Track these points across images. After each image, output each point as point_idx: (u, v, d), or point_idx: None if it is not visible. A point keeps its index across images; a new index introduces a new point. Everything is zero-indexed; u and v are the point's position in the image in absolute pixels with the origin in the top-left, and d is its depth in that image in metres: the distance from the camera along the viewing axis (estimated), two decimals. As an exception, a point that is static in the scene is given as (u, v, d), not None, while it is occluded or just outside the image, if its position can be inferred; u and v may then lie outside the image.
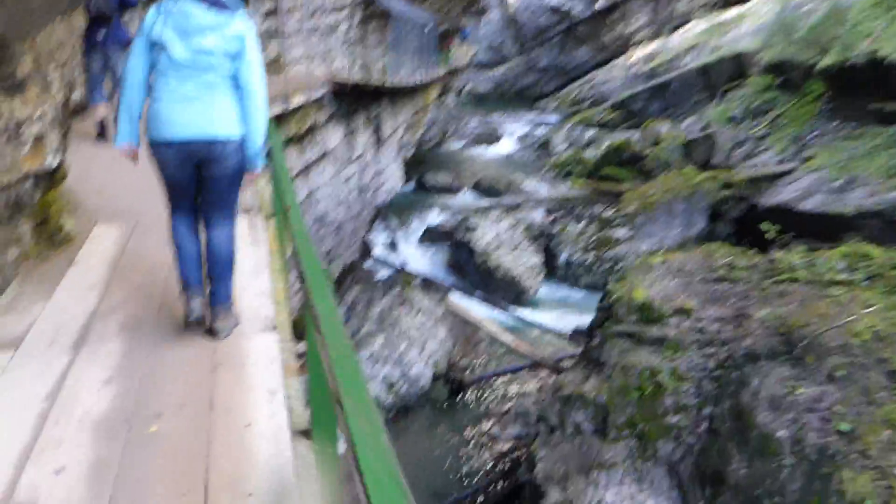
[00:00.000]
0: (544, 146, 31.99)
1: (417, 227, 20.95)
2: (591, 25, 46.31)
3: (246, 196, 5.36)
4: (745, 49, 30.51)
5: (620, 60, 43.69)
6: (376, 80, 14.84)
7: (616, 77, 41.41)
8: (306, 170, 12.23)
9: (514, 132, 36.18)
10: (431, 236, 20.12)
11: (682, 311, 8.22)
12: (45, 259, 4.32)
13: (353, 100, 13.37)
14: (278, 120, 9.55)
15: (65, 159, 4.58)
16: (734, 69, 30.93)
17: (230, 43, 3.26)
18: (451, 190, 24.78)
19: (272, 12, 10.95)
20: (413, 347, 12.58)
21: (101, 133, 7.39)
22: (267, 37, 10.70)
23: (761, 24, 31.23)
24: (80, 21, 4.18)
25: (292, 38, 9.51)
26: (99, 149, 7.18)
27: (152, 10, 3.30)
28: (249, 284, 4.27)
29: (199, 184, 3.51)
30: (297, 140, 11.48)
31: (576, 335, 14.88)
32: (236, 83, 3.35)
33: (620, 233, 18.29)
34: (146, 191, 5.54)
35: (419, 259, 19.22)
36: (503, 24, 49.31)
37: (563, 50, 48.09)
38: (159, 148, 3.35)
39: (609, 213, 19.24)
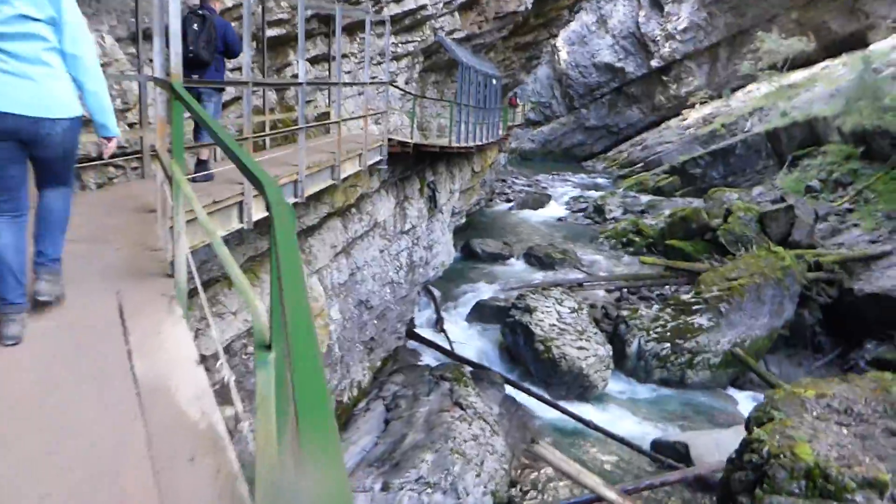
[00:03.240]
0: (598, 211, 29.88)
1: (465, 300, 18.78)
2: (643, 85, 44.57)
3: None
4: (819, 114, 28.25)
5: (674, 122, 41.80)
6: (439, 140, 12.86)
7: (670, 139, 39.37)
8: (349, 246, 10.16)
9: (563, 195, 34.29)
10: (481, 313, 17.92)
11: (873, 484, 5.82)
12: None
13: (410, 164, 11.39)
14: (319, 195, 7.46)
15: None
16: (807, 135, 28.71)
17: (41, 6, 2.93)
18: (501, 258, 22.64)
19: (321, 58, 9.01)
20: (469, 469, 10.29)
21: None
22: (313, 90, 8.79)
23: (838, 88, 29.02)
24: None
25: (344, 91, 7.62)
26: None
27: None
28: None
29: (26, 170, 3.10)
30: (341, 212, 9.43)
31: (658, 451, 12.53)
32: (64, 55, 3.05)
33: (701, 320, 15.91)
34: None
35: (468, 339, 16.98)
36: (551, 81, 47.79)
37: (613, 109, 46.34)
38: None
39: (686, 296, 16.89)
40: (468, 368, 14.46)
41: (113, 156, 5.50)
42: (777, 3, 37.66)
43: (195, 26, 6.49)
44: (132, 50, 5.71)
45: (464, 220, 19.98)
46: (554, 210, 31.55)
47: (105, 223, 4.41)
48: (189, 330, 2.83)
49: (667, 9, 41.85)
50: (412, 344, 16.13)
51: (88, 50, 3.08)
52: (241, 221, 4.84)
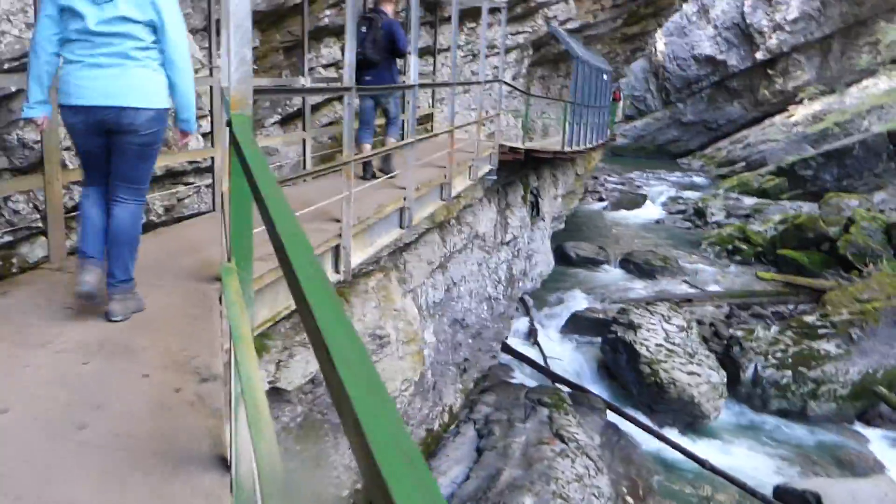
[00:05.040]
0: (698, 214, 28.04)
1: (560, 310, 17.52)
2: (746, 79, 41.97)
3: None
4: (952, 115, 25.69)
5: (779, 118, 39.19)
6: (544, 141, 11.65)
7: (775, 137, 36.86)
8: (446, 260, 9.09)
9: (659, 194, 32.48)
10: (577, 325, 16.63)
11: None
12: None
13: (515, 169, 10.26)
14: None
15: None
16: (936, 138, 26.16)
17: (144, 10, 3.03)
18: (596, 263, 21.26)
19: (424, 52, 7.94)
20: (575, 516, 9.10)
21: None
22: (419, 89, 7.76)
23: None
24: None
25: (449, 90, 6.59)
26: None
27: None
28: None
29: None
30: (440, 225, 8.35)
31: (783, 500, 11.03)
32: (161, 54, 3.12)
33: (828, 346, 14.23)
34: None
35: (563, 353, 15.72)
36: (646, 74, 45.68)
37: (712, 104, 43.87)
38: (67, 113, 3.14)
39: (810, 317, 15.19)
40: (566, 389, 13.27)
41: (184, 173, 4.60)
42: (900, -9, 34.73)
43: (363, 28, 6.95)
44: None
45: (562, 226, 18.67)
46: (650, 211, 29.85)
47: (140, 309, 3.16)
48: None
49: (775, -2, 39.24)
50: (504, 358, 15.02)
51: (184, 52, 3.15)
52: (338, 271, 3.76)
